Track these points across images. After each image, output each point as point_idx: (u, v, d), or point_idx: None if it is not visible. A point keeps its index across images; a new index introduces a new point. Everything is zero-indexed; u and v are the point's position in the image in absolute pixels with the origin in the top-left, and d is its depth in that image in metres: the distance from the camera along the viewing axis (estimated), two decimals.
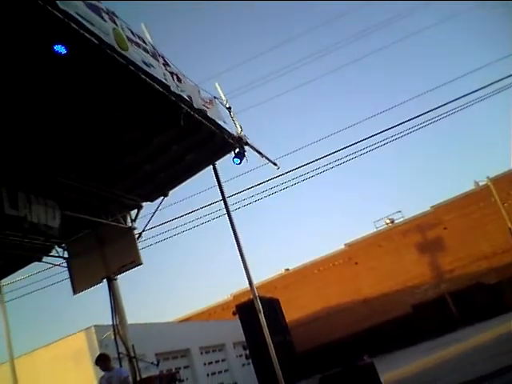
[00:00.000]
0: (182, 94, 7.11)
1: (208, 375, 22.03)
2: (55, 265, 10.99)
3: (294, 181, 13.44)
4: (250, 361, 9.38)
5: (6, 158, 7.12)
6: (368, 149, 13.40)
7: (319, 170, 13.61)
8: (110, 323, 10.01)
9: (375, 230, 32.03)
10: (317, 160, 13.23)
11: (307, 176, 13.53)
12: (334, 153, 13.31)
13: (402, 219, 31.74)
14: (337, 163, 13.56)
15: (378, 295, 28.36)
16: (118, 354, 9.44)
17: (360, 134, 13.69)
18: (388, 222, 32.13)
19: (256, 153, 9.50)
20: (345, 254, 31.26)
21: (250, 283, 8.92)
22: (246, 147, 9.17)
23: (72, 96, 6.49)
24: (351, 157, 13.50)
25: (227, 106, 8.99)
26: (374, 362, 9.96)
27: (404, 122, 13.18)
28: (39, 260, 10.73)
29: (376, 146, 13.33)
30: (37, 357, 17.23)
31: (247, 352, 9.37)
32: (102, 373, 7.95)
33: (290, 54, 39.42)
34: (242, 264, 8.93)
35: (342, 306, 29.09)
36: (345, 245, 31.76)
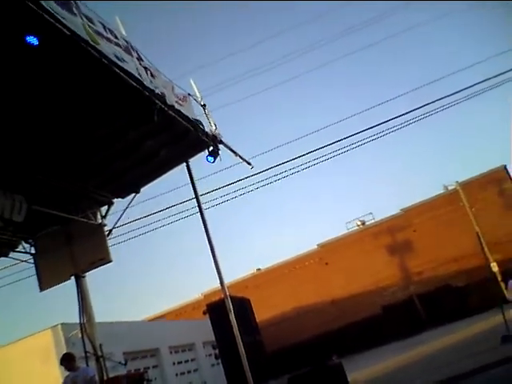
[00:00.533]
0: (155, 89, 7.03)
1: (177, 375, 21.89)
2: (22, 261, 10.71)
3: (268, 180, 13.48)
4: (220, 360, 9.32)
5: None
6: (344, 149, 13.55)
7: (294, 170, 13.70)
8: (78, 321, 9.85)
9: (347, 231, 32.40)
10: (291, 160, 13.32)
11: (281, 176, 13.60)
12: (309, 153, 13.41)
13: (373, 221, 32.18)
14: (311, 163, 13.68)
15: (348, 296, 28.69)
16: (85, 352, 9.30)
17: (338, 134, 13.84)
18: (359, 223, 32.56)
19: (230, 151, 9.45)
20: (317, 254, 31.52)
21: (221, 282, 8.87)
22: (221, 145, 9.11)
23: (44, 89, 6.34)
24: (326, 157, 13.64)
25: (202, 103, 8.91)
26: (342, 362, 10.08)
27: (382, 123, 13.37)
28: (6, 255, 10.43)
29: (351, 146, 13.48)
30: (4, 353, 16.82)
31: (217, 352, 9.30)
32: (68, 372, 7.79)
33: (272, 51, 39.46)
34: (213, 263, 8.88)
35: (313, 307, 29.32)
36: (317, 245, 32.01)
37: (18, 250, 10.35)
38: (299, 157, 13.38)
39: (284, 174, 13.53)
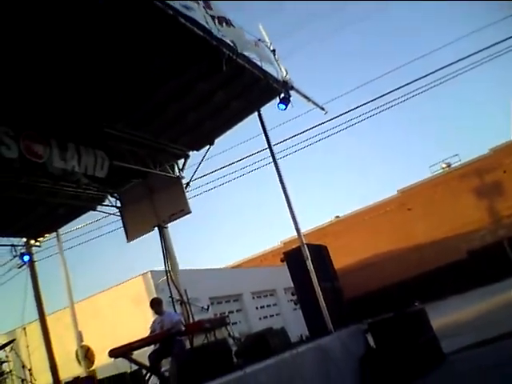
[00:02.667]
0: (224, 38, 6.87)
1: (260, 319, 22.77)
2: (109, 214, 11.40)
3: (343, 126, 13.10)
4: (299, 306, 9.48)
5: (55, 108, 7.24)
6: (423, 88, 12.79)
7: (370, 113, 13.17)
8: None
9: (430, 175, 31.08)
10: (369, 102, 12.80)
11: (357, 120, 13.14)
12: (385, 95, 12.79)
13: (459, 163, 30.54)
14: (388, 105, 13.07)
15: (431, 242, 27.85)
16: (172, 298, 9.83)
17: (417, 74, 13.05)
18: (444, 166, 31.06)
19: (302, 97, 9.17)
20: (397, 200, 30.66)
21: (297, 230, 8.87)
22: (292, 92, 8.85)
23: (113, 44, 6.41)
24: (404, 98, 12.96)
25: (271, 48, 8.62)
26: (425, 308, 9.86)
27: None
28: (94, 209, 11.13)
29: (432, 85, 12.67)
30: (99, 300, 18.36)
31: (295, 297, 9.45)
32: (156, 315, 8.31)
33: None
34: (288, 211, 8.86)
35: (394, 253, 28.84)
36: (398, 191, 31.09)
37: (105, 204, 11.01)
38: (377, 98, 12.83)
39: (359, 119, 13.06)
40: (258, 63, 7.90)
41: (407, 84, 13.06)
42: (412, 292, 21.99)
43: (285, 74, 8.80)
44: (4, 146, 6.41)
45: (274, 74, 8.46)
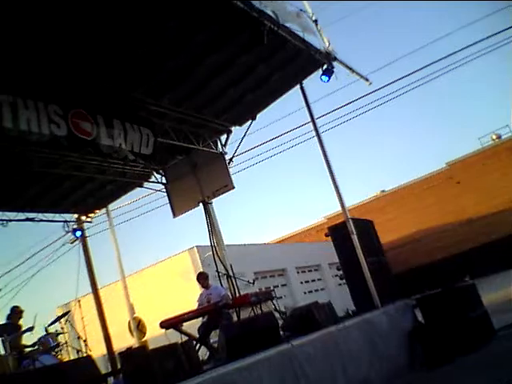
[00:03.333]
0: (265, 9, 6.74)
1: (305, 293, 22.87)
2: (156, 190, 11.64)
3: (387, 97, 12.71)
4: (345, 281, 9.40)
5: (101, 86, 7.36)
6: (472, 56, 12.19)
7: (416, 84, 12.71)
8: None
9: (480, 147, 29.88)
10: (416, 71, 12.35)
11: (401, 92, 12.72)
12: (432, 63, 12.29)
13: (509, 134, 29.19)
14: (436, 74, 12.57)
15: (481, 216, 26.91)
16: (218, 272, 9.99)
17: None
18: (494, 137, 29.76)
19: (346, 68, 8.91)
20: (445, 173, 29.72)
21: (342, 205, 8.74)
22: (335, 63, 8.61)
23: (156, 21, 6.41)
24: (453, 67, 12.40)
25: (313, 19, 8.38)
26: (475, 283, 9.58)
27: None
28: (141, 186, 11.38)
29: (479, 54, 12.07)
30: (148, 274, 18.93)
31: (341, 273, 9.37)
32: (203, 289, 8.49)
33: None
34: (332, 186, 8.72)
35: (442, 228, 28.10)
36: (446, 164, 30.12)
37: (151, 180, 11.22)
38: (421, 69, 12.35)
39: (404, 90, 12.63)
40: (300, 34, 7.70)
41: (454, 52, 12.45)
42: (462, 267, 21.44)
43: (327, 44, 8.56)
44: (54, 124, 6.60)
45: (317, 45, 8.25)
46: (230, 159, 10.54)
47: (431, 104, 48.46)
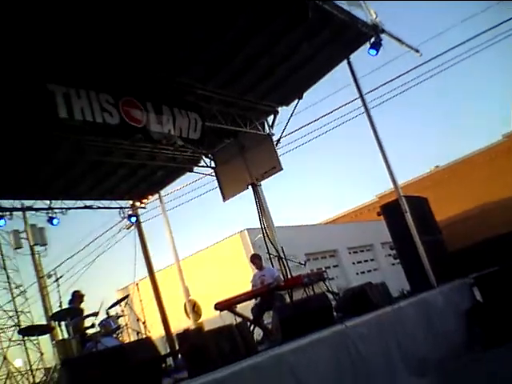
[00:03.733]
0: None
1: (357, 273, 22.63)
2: (205, 174, 11.77)
3: (440, 68, 12.18)
4: (398, 260, 9.21)
5: (148, 72, 7.46)
6: None
7: (468, 53, 12.09)
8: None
9: None
10: (468, 41, 11.74)
11: (455, 61, 12.14)
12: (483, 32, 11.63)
13: None
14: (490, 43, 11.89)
15: None
16: (269, 254, 10.03)
17: None
18: None
19: (394, 40, 8.58)
20: (504, 145, 28.33)
21: (394, 183, 8.51)
22: (383, 35, 8.30)
23: (199, 5, 6.39)
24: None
25: None
26: None
27: None
28: (191, 170, 11.56)
29: None
30: (201, 257, 19.31)
31: (394, 252, 9.18)
32: (256, 270, 8.56)
33: None
34: (384, 164, 8.49)
35: (501, 203, 26.89)
36: (502, 136, 28.70)
37: (200, 165, 11.36)
38: (474, 37, 11.70)
39: (459, 58, 12.04)
40: (346, 8, 7.48)
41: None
42: None
43: (374, 16, 8.26)
44: (106, 112, 6.76)
45: (363, 18, 7.99)
46: (278, 140, 10.48)
47: (480, 75, 46.04)
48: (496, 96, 46.43)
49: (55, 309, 8.32)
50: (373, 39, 8.19)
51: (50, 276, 15.66)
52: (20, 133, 7.15)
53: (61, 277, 11.23)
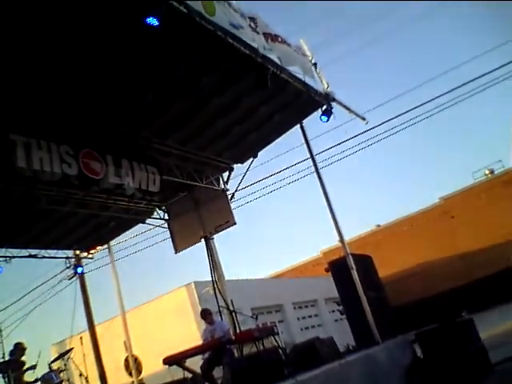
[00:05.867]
0: (269, 54, 7.08)
1: (302, 329, 22.69)
2: (158, 226, 11.78)
3: (383, 135, 13.13)
4: (343, 316, 9.50)
5: (109, 127, 7.66)
6: (462, 97, 12.75)
7: (410, 123, 13.17)
8: (207, 279, 10.64)
9: (473, 181, 30.41)
10: (409, 111, 12.83)
11: (397, 130, 13.15)
12: (423, 104, 12.77)
13: (503, 169, 29.78)
14: (426, 115, 13.07)
15: (477, 250, 27.12)
16: (219, 308, 10.02)
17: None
18: (487, 172, 30.34)
19: (343, 108, 9.28)
20: (440, 208, 30.08)
21: (342, 241, 8.93)
22: (334, 103, 8.98)
23: (163, 65, 6.74)
24: (444, 106, 12.91)
25: (313, 62, 8.79)
26: (473, 318, 9.69)
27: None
28: (143, 222, 11.56)
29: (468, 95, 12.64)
30: (144, 310, 18.79)
31: (341, 308, 9.47)
32: (203, 323, 8.56)
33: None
34: (332, 222, 8.93)
35: (438, 262, 28.25)
36: (439, 198, 30.53)
37: (154, 216, 11.40)
38: (412, 109, 12.84)
39: (400, 127, 13.07)
40: (301, 77, 8.09)
41: (444, 94, 13.03)
42: (459, 302, 21.50)
43: (326, 86, 8.95)
44: (65, 163, 6.85)
45: (316, 87, 8.63)
46: (232, 195, 10.78)
47: (425, 141, 49.30)
48: (432, 161, 49.63)
49: None
50: (324, 107, 8.83)
51: None
52: None
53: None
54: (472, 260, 27.16)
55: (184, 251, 11.10)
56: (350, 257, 8.68)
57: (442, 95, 12.93)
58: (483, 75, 12.91)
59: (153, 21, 5.28)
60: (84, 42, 5.78)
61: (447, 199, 30.01)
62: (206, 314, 8.38)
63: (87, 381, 9.05)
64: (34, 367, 8.00)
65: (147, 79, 6.90)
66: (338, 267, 9.06)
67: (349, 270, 8.57)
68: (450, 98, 13.13)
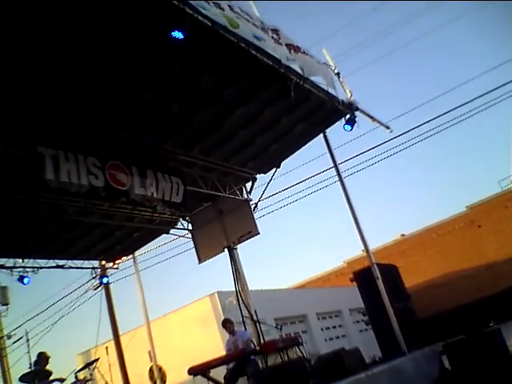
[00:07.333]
0: (292, 65, 7.11)
1: (326, 340, 22.43)
2: (182, 236, 11.88)
3: (408, 143, 12.99)
4: (368, 327, 9.39)
5: (136, 139, 7.80)
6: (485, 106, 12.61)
7: (434, 131, 13.02)
8: (231, 289, 10.66)
9: (500, 190, 29.79)
10: (434, 119, 12.72)
11: (421, 138, 13.01)
12: (450, 111, 12.63)
13: None
14: (452, 122, 12.90)
15: (505, 259, 26.47)
16: (242, 318, 10.03)
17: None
18: None
19: (367, 117, 9.25)
20: (466, 217, 29.50)
21: (367, 250, 8.87)
22: (357, 112, 8.95)
23: (189, 77, 6.83)
24: (469, 114, 12.75)
25: (336, 71, 8.81)
26: (500, 328, 9.47)
27: None
28: (167, 232, 11.66)
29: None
30: (168, 320, 18.87)
31: (366, 318, 9.37)
32: (226, 333, 8.55)
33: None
34: (357, 231, 8.88)
35: (465, 272, 27.63)
36: (466, 207, 29.96)
37: (177, 227, 11.50)
38: (437, 117, 12.70)
39: (425, 135, 12.94)
40: (324, 87, 8.10)
41: (470, 101, 12.85)
42: (486, 312, 20.97)
43: (350, 95, 8.94)
44: (92, 175, 6.97)
45: (340, 97, 8.63)
46: (255, 205, 10.80)
47: (451, 148, 48.63)
48: (457, 169, 48.88)
49: (14, 370, 8.09)
50: (348, 116, 8.81)
51: (9, 337, 15.08)
52: (4, 192, 7.25)
53: (21, 338, 10.89)
54: (499, 270, 26.50)
55: (207, 261, 11.18)
56: (375, 266, 8.60)
57: (466, 103, 12.72)
58: (509, 82, 12.67)
59: (178, 34, 5.39)
60: (113, 55, 5.92)
61: (473, 208, 29.44)
62: (226, 324, 8.38)
63: None
64: (62, 380, 8.08)
65: (172, 91, 7.01)
66: (363, 277, 8.99)
67: (374, 280, 8.49)
68: (474, 107, 12.91)
